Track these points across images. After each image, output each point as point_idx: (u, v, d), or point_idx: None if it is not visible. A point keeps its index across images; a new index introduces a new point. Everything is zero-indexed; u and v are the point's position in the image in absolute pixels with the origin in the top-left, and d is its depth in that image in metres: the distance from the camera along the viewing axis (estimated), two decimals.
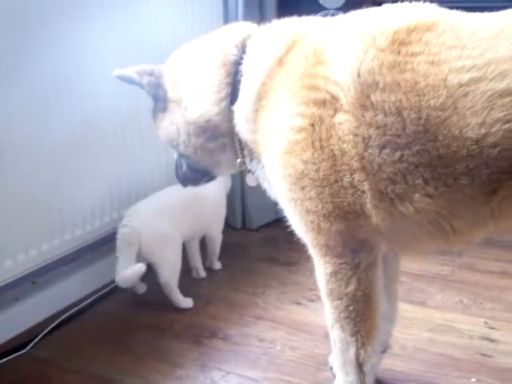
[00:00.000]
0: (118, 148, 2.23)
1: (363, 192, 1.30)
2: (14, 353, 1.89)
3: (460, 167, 1.22)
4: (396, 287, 1.71)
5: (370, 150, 1.27)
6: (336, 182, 1.31)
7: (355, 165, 1.28)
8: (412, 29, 1.26)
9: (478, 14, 1.29)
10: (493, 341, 1.91)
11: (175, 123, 1.59)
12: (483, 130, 1.19)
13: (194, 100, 1.53)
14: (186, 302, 2.16)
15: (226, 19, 2.52)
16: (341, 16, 1.45)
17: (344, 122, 1.28)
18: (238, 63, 1.48)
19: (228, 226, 2.63)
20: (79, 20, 1.99)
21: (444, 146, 1.22)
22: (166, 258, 2.12)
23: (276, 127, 1.37)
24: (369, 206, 1.31)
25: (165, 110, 1.61)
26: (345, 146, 1.28)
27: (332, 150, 1.29)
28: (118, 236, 2.07)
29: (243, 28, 1.57)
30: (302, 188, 1.34)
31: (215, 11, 2.57)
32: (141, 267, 2.01)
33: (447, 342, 1.91)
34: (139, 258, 2.08)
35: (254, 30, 1.54)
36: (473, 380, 1.74)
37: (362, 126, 1.26)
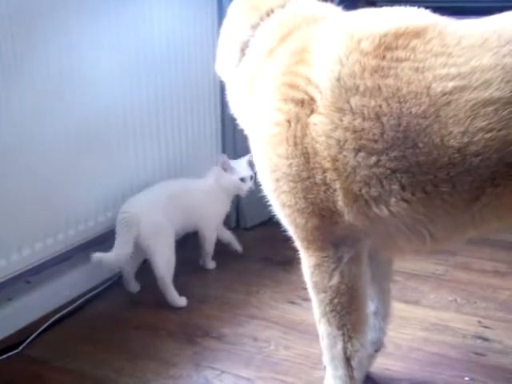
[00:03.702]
0: (113, 149, 2.23)
1: (335, 190, 1.30)
2: (7, 352, 1.88)
3: (441, 175, 1.21)
4: (389, 285, 1.71)
5: (344, 153, 1.26)
6: (308, 178, 1.31)
7: (327, 165, 1.29)
8: (400, 34, 1.24)
9: (468, 21, 1.27)
10: (486, 340, 1.92)
11: None
12: (466, 139, 1.17)
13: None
14: (181, 301, 2.16)
15: (220, 18, 2.51)
16: (339, 14, 1.45)
17: (318, 123, 1.28)
18: (247, 44, 1.53)
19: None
20: (80, 19, 2.00)
21: (424, 153, 1.21)
22: (161, 248, 2.15)
23: (258, 118, 1.41)
24: (341, 204, 1.31)
25: None
26: (317, 146, 1.29)
27: (306, 148, 1.30)
28: (118, 221, 2.14)
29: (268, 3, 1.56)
30: (277, 180, 1.36)
31: (209, 9, 2.57)
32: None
33: (441, 341, 1.91)
34: (136, 246, 2.12)
35: (275, 8, 1.54)
36: (466, 379, 1.74)
37: (339, 130, 1.26)
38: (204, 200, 2.36)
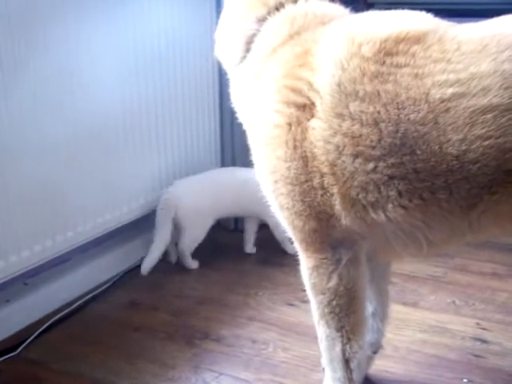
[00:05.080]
0: (112, 151, 2.23)
1: (332, 194, 1.30)
2: (5, 354, 1.88)
3: (438, 182, 1.21)
4: (387, 287, 1.71)
5: (342, 158, 1.26)
6: (306, 181, 1.31)
7: (325, 169, 1.28)
8: (401, 39, 1.24)
9: (469, 25, 1.26)
10: (485, 342, 1.92)
11: None
12: (464, 147, 1.17)
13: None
14: (194, 264, 2.41)
15: (219, 18, 2.52)
16: (347, 17, 1.44)
17: (317, 128, 1.27)
18: (252, 39, 1.49)
19: (220, 227, 2.63)
20: (80, 19, 2.00)
21: (422, 160, 1.20)
22: (192, 229, 2.36)
23: (258, 118, 1.40)
24: (338, 208, 1.31)
25: None
26: (316, 150, 1.28)
27: (304, 152, 1.30)
28: (160, 202, 2.35)
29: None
30: (275, 182, 1.36)
31: (208, 8, 2.58)
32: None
33: (440, 343, 1.91)
34: (174, 222, 2.35)
35: (285, 2, 1.49)
36: (465, 381, 1.74)
37: (338, 135, 1.25)
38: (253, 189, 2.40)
